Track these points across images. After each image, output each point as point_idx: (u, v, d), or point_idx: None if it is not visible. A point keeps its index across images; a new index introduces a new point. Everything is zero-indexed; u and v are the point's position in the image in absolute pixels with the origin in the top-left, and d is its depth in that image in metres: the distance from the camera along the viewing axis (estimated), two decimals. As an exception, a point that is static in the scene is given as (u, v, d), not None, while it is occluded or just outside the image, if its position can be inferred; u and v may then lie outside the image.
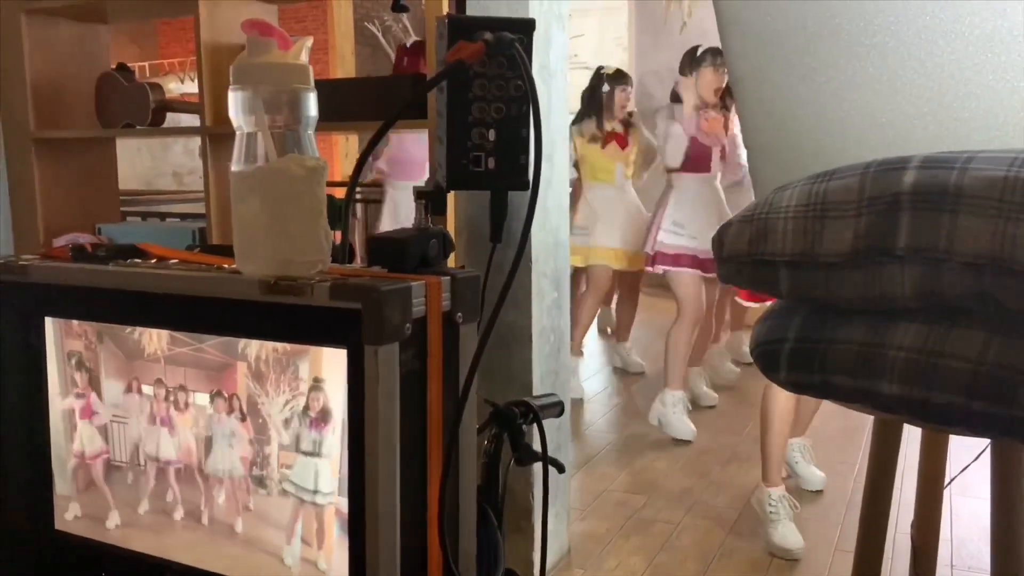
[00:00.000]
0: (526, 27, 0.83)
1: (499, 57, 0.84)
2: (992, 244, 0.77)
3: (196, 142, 6.51)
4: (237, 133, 0.86)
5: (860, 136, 1.02)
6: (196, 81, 2.21)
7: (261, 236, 0.85)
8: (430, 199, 0.87)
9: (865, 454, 3.29)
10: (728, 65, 1.10)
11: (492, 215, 0.90)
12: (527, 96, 0.84)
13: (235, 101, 0.85)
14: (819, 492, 2.95)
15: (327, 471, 0.88)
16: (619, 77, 4.09)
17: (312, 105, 0.85)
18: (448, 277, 0.86)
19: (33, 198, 2.55)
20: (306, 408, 0.89)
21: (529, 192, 0.82)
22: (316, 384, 0.87)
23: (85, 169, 2.66)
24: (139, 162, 6.92)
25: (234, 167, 0.84)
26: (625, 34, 7.38)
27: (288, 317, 0.86)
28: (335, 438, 0.87)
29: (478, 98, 0.86)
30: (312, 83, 0.84)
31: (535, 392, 2.12)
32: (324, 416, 0.87)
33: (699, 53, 3.63)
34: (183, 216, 4.82)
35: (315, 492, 0.89)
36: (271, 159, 0.82)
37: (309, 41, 0.81)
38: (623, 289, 4.60)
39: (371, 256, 0.86)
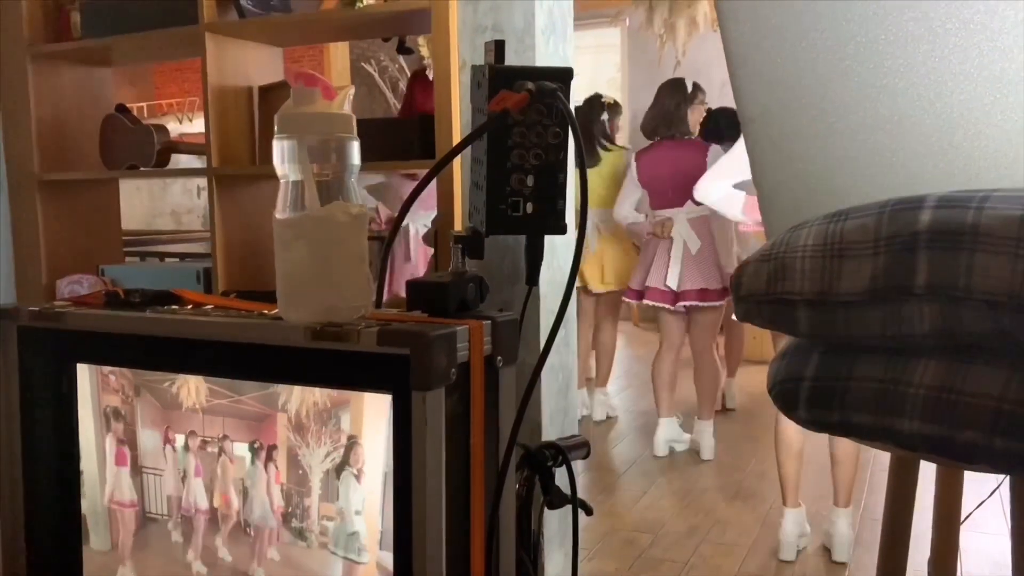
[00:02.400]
0: (564, 76, 0.85)
1: (537, 105, 0.85)
2: (1011, 282, 0.78)
3: (194, 182, 6.54)
4: (282, 181, 0.87)
5: (872, 175, 1.03)
6: (194, 121, 2.24)
7: (306, 283, 0.85)
8: (467, 244, 0.87)
9: (868, 491, 3.27)
10: (739, 106, 1.12)
11: (528, 259, 0.91)
12: (565, 143, 0.85)
13: (280, 150, 0.86)
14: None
15: (366, 526, 0.87)
16: (618, 108, 4.17)
17: (355, 153, 0.86)
18: (489, 321, 0.86)
19: (36, 240, 2.56)
20: (345, 463, 0.88)
21: (576, 235, 0.82)
22: (354, 440, 0.87)
23: (88, 211, 2.68)
24: (138, 202, 6.93)
25: (279, 214, 0.85)
26: (618, 74, 7.47)
27: (331, 363, 0.86)
28: (375, 493, 0.86)
29: (517, 145, 0.86)
30: (355, 131, 0.85)
31: (544, 431, 2.11)
32: (363, 471, 0.86)
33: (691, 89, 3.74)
34: (182, 256, 4.82)
35: (358, 549, 0.88)
36: (316, 207, 0.83)
37: (351, 91, 0.82)
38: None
39: (411, 300, 0.86)
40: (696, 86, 3.76)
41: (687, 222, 3.63)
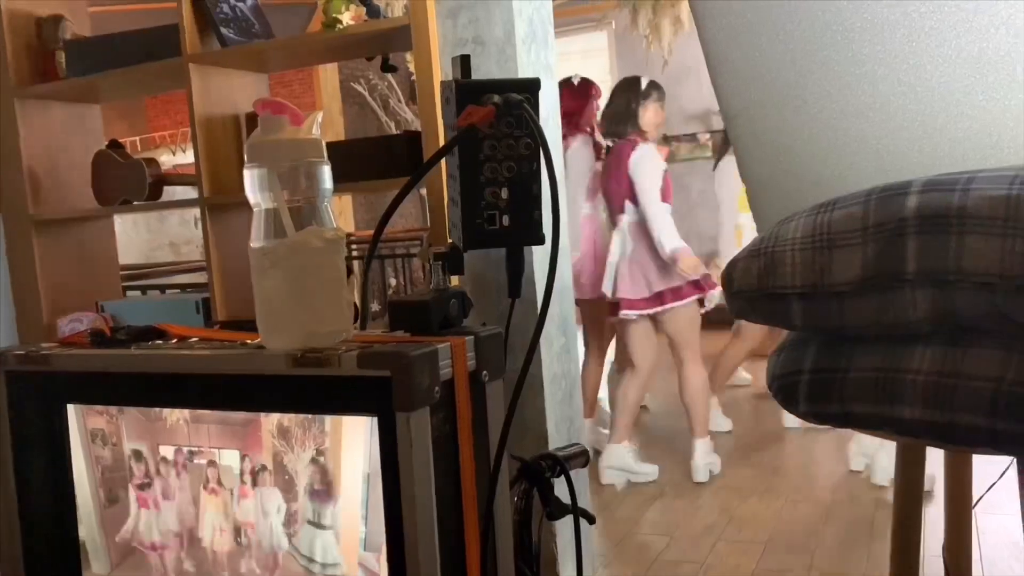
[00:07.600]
0: (531, 87, 0.85)
1: (507, 117, 0.85)
2: (1001, 262, 0.77)
3: (191, 212, 6.56)
4: (255, 210, 0.87)
5: (857, 164, 1.03)
6: (187, 152, 2.25)
7: (284, 310, 0.85)
8: (447, 260, 0.87)
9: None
10: (720, 103, 1.11)
11: (509, 271, 0.91)
12: (537, 153, 0.85)
13: (251, 179, 0.86)
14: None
15: (338, 542, 0.87)
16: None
17: (327, 177, 0.86)
18: (471, 336, 0.86)
19: (34, 279, 2.56)
20: (322, 479, 0.88)
21: (550, 245, 0.82)
22: (332, 452, 0.87)
23: (85, 247, 2.68)
24: (136, 236, 6.95)
25: (254, 243, 0.85)
26: (608, 77, 7.48)
27: (315, 388, 0.86)
28: (355, 499, 0.85)
29: (489, 159, 0.87)
30: (325, 155, 0.85)
31: (551, 441, 2.11)
32: (332, 487, 0.86)
33: (644, 87, 3.66)
34: (183, 287, 4.82)
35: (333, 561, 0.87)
36: (290, 233, 0.83)
37: (320, 115, 0.82)
38: None
39: (393, 320, 0.86)
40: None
41: None
